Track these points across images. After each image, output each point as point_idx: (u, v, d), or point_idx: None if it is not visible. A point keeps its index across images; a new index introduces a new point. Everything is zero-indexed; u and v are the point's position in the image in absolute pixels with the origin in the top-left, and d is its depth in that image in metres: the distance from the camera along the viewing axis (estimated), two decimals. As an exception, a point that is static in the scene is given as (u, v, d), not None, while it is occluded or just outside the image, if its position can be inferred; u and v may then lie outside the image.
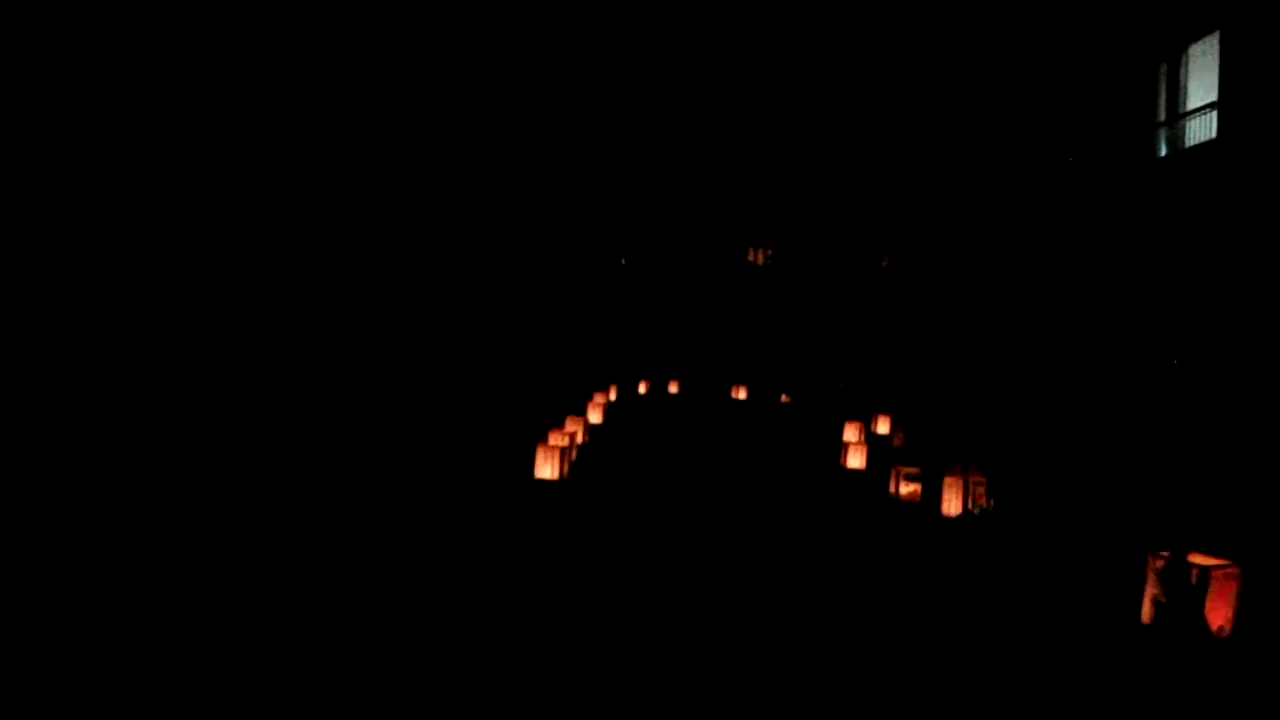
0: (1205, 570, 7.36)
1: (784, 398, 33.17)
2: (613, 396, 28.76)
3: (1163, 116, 19.09)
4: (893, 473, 14.40)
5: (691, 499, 13.96)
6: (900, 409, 25.74)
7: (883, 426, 23.73)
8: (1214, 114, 16.97)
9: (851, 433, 21.07)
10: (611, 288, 39.14)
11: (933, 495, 13.51)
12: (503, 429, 17.98)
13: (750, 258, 45.38)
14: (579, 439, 17.91)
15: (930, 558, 10.83)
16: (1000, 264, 25.83)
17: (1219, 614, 7.23)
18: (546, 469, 13.81)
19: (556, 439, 15.61)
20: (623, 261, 41.33)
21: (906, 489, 14.14)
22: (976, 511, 11.56)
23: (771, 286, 43.88)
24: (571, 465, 15.36)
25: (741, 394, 34.10)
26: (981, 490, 11.66)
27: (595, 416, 22.06)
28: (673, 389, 34.79)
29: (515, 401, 21.47)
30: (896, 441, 21.48)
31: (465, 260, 25.79)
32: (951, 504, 11.65)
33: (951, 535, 11.50)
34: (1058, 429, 19.79)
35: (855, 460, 17.48)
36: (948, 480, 11.71)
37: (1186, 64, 18.47)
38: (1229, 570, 7.34)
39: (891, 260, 40.91)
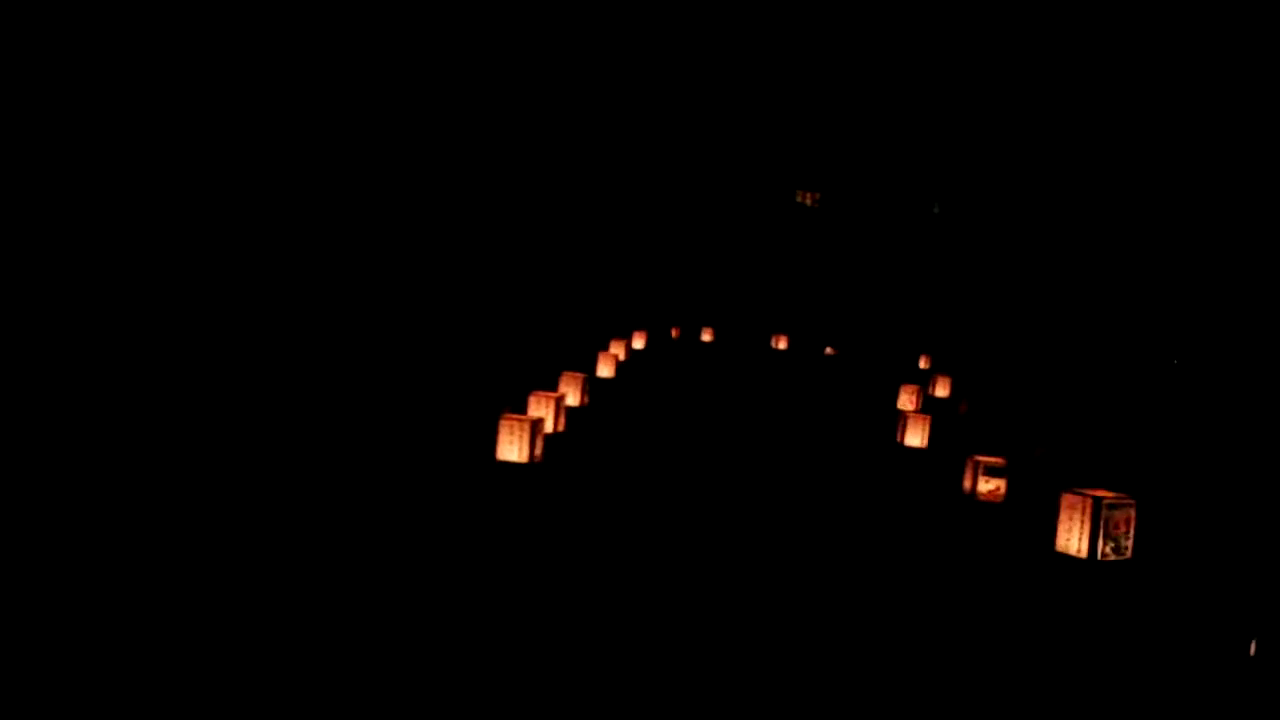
0: None
1: (829, 349, 29.32)
2: (638, 345, 24.98)
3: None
4: (969, 464, 10.62)
5: (702, 490, 10.26)
6: (960, 369, 21.90)
7: (942, 389, 19.86)
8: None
9: (908, 398, 17.24)
10: (640, 224, 35.21)
11: (1020, 498, 9.81)
12: (488, 394, 14.27)
13: (798, 199, 41.63)
14: (573, 401, 14.20)
15: (1045, 618, 7.08)
16: (1085, 211, 21.86)
17: None
18: (512, 448, 10.12)
19: (537, 405, 11.92)
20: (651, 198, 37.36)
21: (987, 485, 10.37)
22: (1113, 554, 7.65)
23: (819, 230, 40.07)
24: (556, 438, 11.71)
25: (782, 344, 30.24)
26: (1124, 521, 7.68)
27: (605, 370, 18.31)
28: (706, 337, 30.90)
29: (505, 359, 17.70)
30: (960, 409, 17.65)
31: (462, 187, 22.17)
32: (1073, 537, 7.72)
33: (1076, 583, 7.72)
34: (1189, 415, 15.91)
35: (915, 436, 13.70)
36: (1068, 502, 7.77)
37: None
38: None
39: (944, 207, 37.33)
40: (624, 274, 32.58)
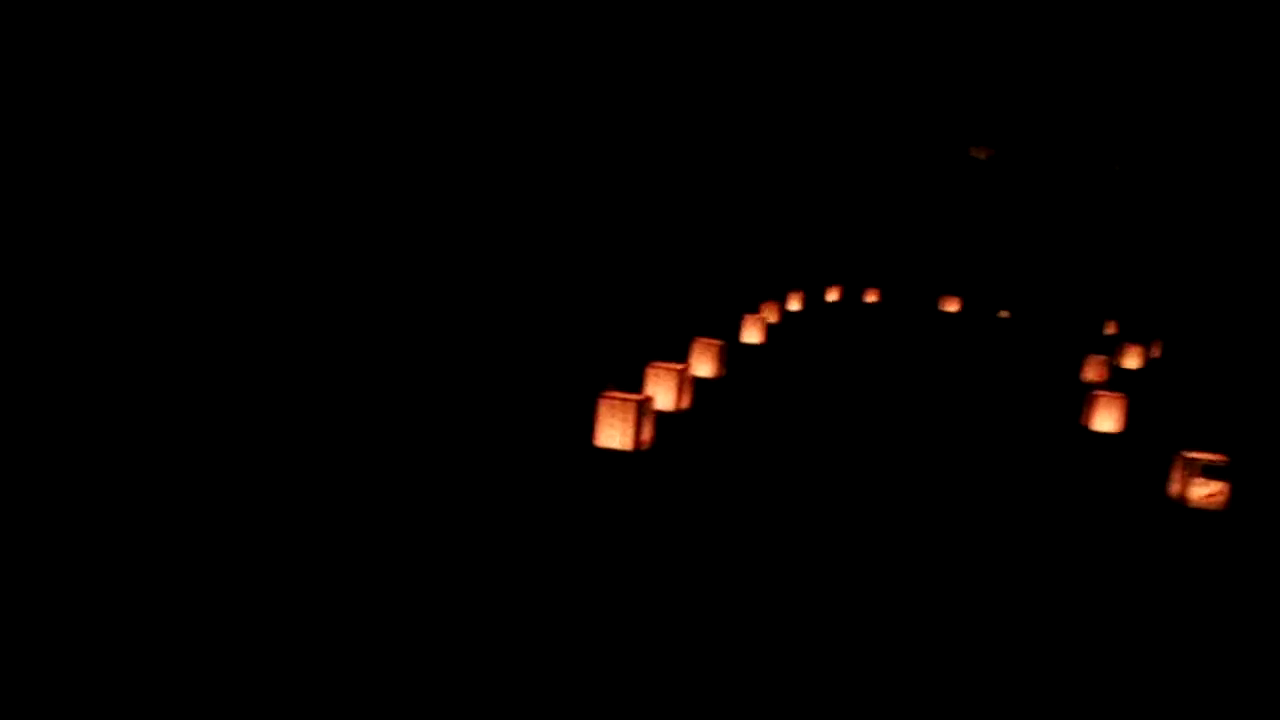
0: None
1: (1003, 313, 26.80)
2: (794, 306, 22.90)
3: None
4: (1179, 462, 8.41)
5: (850, 483, 8.27)
6: (1152, 336, 19.31)
7: (1133, 359, 17.36)
8: None
9: (1094, 370, 14.85)
10: (800, 177, 32.93)
11: (1247, 506, 7.63)
12: (600, 367, 12.50)
13: (972, 154, 38.84)
14: (706, 372, 12.32)
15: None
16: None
17: None
18: (614, 433, 8.31)
19: (655, 379, 10.08)
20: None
21: (1204, 490, 8.17)
22: None
23: (992, 187, 37.29)
24: (678, 418, 9.89)
25: (952, 306, 27.78)
26: None
27: (753, 335, 16.34)
28: (871, 298, 28.59)
29: (623, 327, 15.89)
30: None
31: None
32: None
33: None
34: None
35: (1106, 419, 11.43)
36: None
37: None
38: None
39: (1124, 167, 34.30)
40: (778, 230, 30.44)
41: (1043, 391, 14.47)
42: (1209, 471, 8.19)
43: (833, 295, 27.27)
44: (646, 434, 8.48)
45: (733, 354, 14.53)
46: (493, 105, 18.02)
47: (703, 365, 12.42)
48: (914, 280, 32.00)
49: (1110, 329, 22.61)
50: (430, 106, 16.54)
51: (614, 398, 8.33)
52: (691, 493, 7.61)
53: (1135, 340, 18.57)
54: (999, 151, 38.16)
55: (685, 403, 10.37)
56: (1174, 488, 8.46)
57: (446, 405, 9.50)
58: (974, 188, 37.02)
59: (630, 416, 8.28)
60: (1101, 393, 11.78)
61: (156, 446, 7.88)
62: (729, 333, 16.51)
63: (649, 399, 8.49)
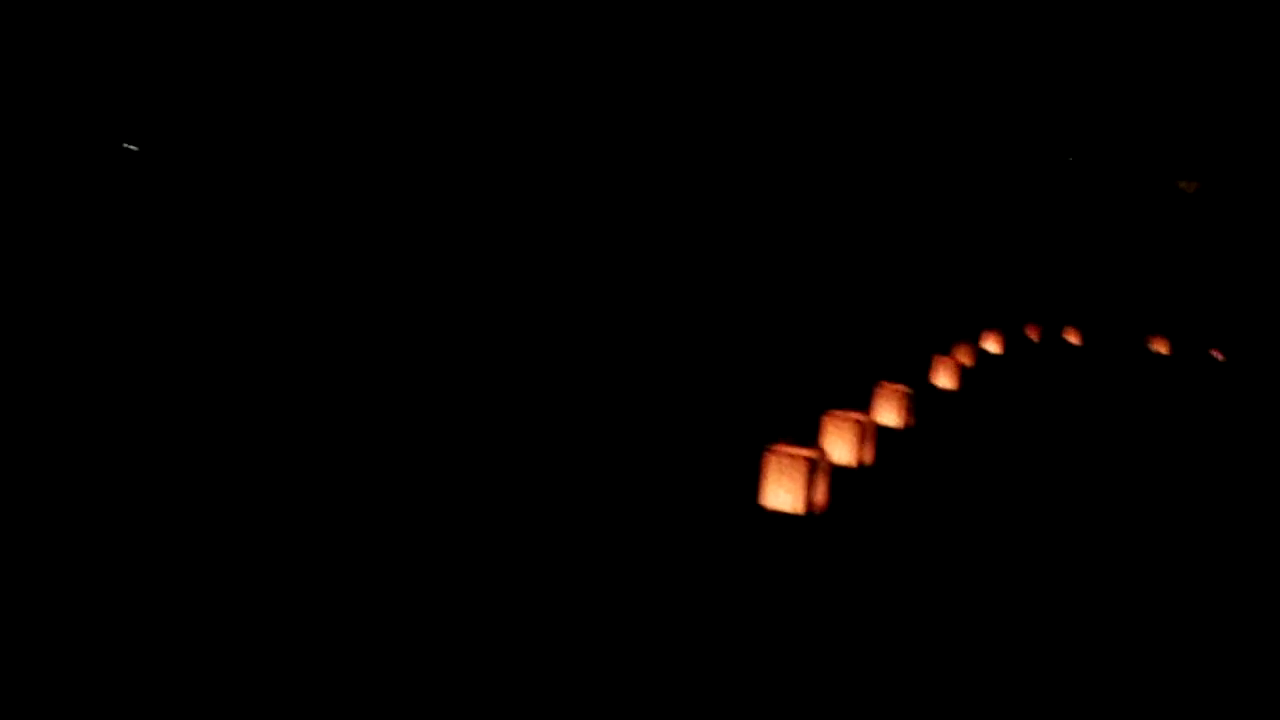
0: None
1: (1216, 354, 24.73)
2: (991, 347, 21.43)
3: None
4: None
5: (1053, 556, 7.08)
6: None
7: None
8: None
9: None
10: (996, 209, 31.28)
11: None
12: (767, 415, 11.50)
13: (1181, 186, 36.50)
14: (892, 421, 11.20)
15: None
16: None
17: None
18: (782, 492, 7.31)
19: (835, 431, 9.04)
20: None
21: None
22: None
23: (1200, 220, 34.91)
24: (859, 475, 8.84)
25: (1161, 347, 25.78)
26: None
27: (946, 380, 15.08)
28: (1072, 338, 26.75)
29: (794, 370, 14.80)
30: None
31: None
32: None
33: None
34: None
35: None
36: None
37: None
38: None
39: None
40: (970, 261, 28.90)
41: (1272, 443, 12.85)
42: None
43: (1032, 335, 25.61)
44: (820, 494, 7.45)
45: (922, 401, 13.30)
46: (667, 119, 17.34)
47: (888, 414, 11.28)
48: (1117, 319, 30.01)
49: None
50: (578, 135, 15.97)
51: (784, 452, 7.32)
52: (870, 564, 6.54)
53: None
54: (1206, 184, 35.83)
55: (867, 457, 9.27)
56: None
57: (589, 451, 8.63)
58: (1181, 222, 34.78)
59: (802, 474, 7.26)
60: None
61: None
62: (917, 377, 15.28)
63: (823, 454, 7.45)
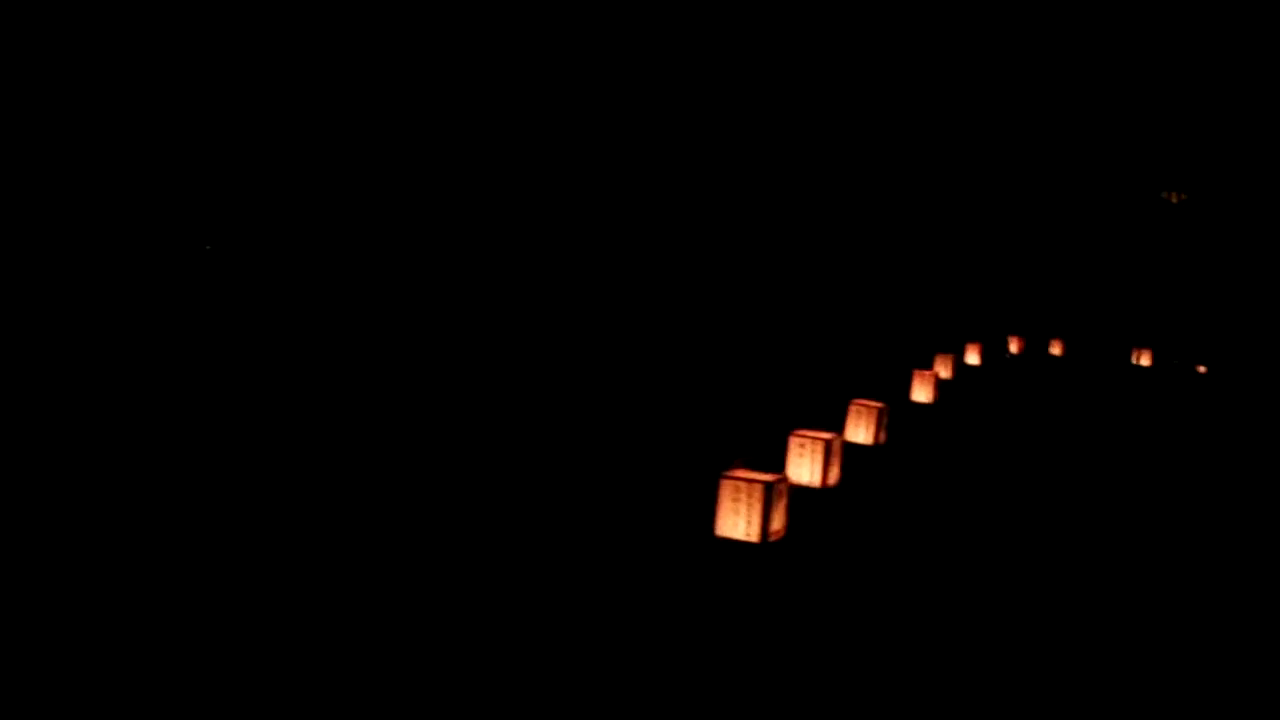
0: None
1: (1200, 367, 24.35)
2: (972, 359, 21.01)
3: None
4: None
5: (1035, 586, 6.64)
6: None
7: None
8: None
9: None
10: (974, 219, 30.93)
11: None
12: (726, 437, 11.07)
13: (1164, 196, 36.17)
14: (863, 438, 10.77)
15: None
16: None
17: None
18: (736, 520, 6.87)
19: (799, 451, 8.61)
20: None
21: None
22: None
23: (1186, 231, 34.63)
24: (824, 496, 8.40)
25: (1145, 359, 25.39)
26: None
27: (922, 393, 14.65)
28: (1055, 350, 26.33)
29: (758, 387, 14.37)
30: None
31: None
32: None
33: None
34: None
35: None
36: None
37: None
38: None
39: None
40: (950, 272, 28.51)
41: (1261, 460, 12.44)
42: None
43: (1014, 347, 25.20)
44: (778, 521, 7.00)
45: (896, 416, 12.84)
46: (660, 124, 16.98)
47: (858, 430, 10.85)
48: (1101, 330, 29.64)
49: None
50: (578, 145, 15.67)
51: (738, 477, 6.87)
52: (830, 596, 6.09)
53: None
54: (1193, 195, 35.57)
55: (833, 478, 8.83)
56: None
57: (542, 464, 8.18)
58: (1166, 233, 34.48)
59: (757, 500, 6.81)
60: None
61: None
62: (893, 391, 14.84)
63: (779, 481, 7.01)
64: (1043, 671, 5.24)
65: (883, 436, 11.04)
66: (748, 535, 6.86)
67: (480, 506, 7.28)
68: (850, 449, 10.48)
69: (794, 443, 8.70)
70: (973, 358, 21.12)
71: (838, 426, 10.97)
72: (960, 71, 28.45)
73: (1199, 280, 32.76)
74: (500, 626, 5.24)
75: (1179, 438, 13.76)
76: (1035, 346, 26.57)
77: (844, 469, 9.48)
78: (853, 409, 10.96)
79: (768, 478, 6.95)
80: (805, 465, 8.63)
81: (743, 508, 6.86)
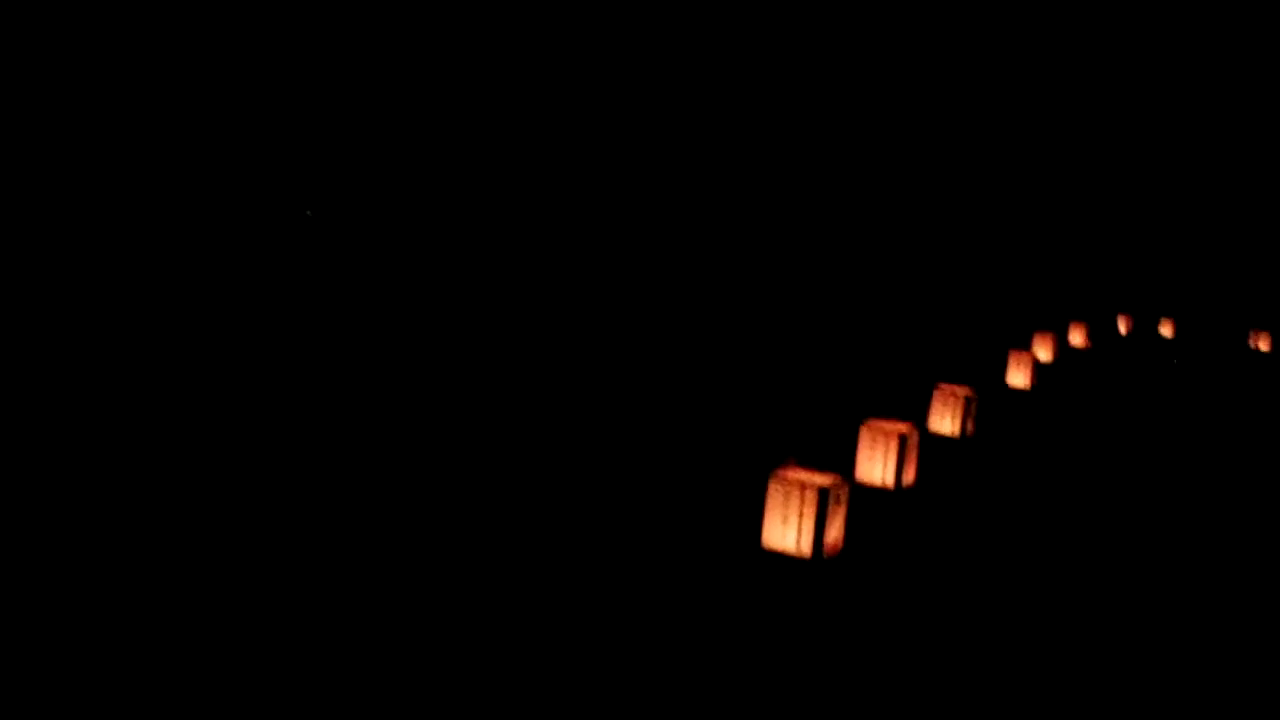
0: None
1: (1328, 352, 22.63)
2: (1076, 340, 19.62)
3: None
4: None
5: (1131, 599, 5.54)
6: None
7: None
8: None
9: None
10: (1083, 191, 29.24)
11: None
12: (780, 431, 10.00)
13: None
14: (948, 428, 9.65)
15: None
16: None
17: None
18: (785, 529, 5.86)
19: (871, 447, 7.57)
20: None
21: None
22: None
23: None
24: (898, 499, 7.36)
25: (1263, 344, 23.70)
26: None
27: (1018, 377, 13.43)
28: (1165, 331, 24.72)
29: (827, 367, 13.23)
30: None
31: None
32: None
33: None
34: None
35: None
36: None
37: None
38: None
39: None
40: (1055, 245, 26.94)
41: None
42: None
43: (1122, 327, 23.67)
44: (835, 532, 5.96)
45: (987, 405, 11.65)
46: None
47: (943, 420, 9.73)
48: (1216, 311, 27.89)
49: None
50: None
51: (790, 477, 5.85)
52: (892, 628, 5.05)
53: None
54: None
55: (909, 477, 7.75)
56: None
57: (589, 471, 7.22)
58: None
59: (810, 506, 5.79)
60: None
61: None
62: (988, 375, 13.64)
63: (839, 482, 5.96)
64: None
65: (971, 427, 9.90)
66: (799, 549, 5.84)
67: (499, 508, 6.37)
68: (933, 442, 9.38)
69: (865, 435, 7.64)
70: (1077, 338, 19.73)
71: (921, 416, 9.88)
72: (1078, 42, 26.89)
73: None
74: (488, 660, 4.32)
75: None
76: (1144, 327, 24.99)
77: (925, 466, 8.40)
78: (937, 395, 9.84)
79: (824, 480, 5.91)
80: (878, 462, 7.56)
81: (794, 515, 5.84)
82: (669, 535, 6.14)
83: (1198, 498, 8.40)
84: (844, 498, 6.00)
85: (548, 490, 6.75)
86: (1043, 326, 17.06)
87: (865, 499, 7.26)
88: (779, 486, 5.86)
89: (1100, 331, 21.98)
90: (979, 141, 23.52)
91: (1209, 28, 29.37)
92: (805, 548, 5.80)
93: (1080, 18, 27.09)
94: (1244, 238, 31.53)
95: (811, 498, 5.79)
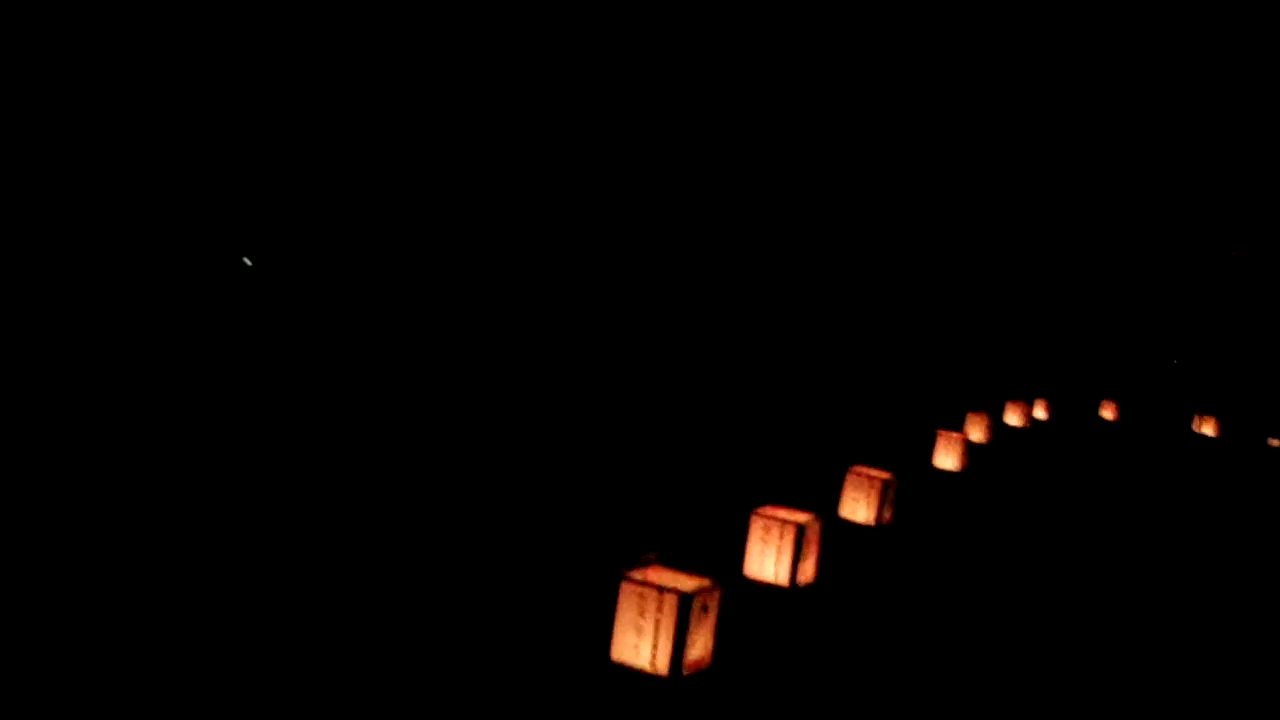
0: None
1: (1273, 440, 22.06)
2: (1013, 420, 18.85)
3: None
4: None
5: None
6: None
7: None
8: None
9: None
10: (1014, 266, 28.81)
11: None
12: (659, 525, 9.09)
13: (1230, 253, 33.96)
14: (863, 516, 8.74)
15: None
16: None
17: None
18: (637, 644, 4.87)
19: (764, 537, 6.63)
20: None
21: None
22: None
23: (1253, 288, 32.43)
24: (795, 597, 6.43)
25: (1208, 428, 23.08)
26: None
27: (948, 459, 12.57)
28: (1107, 413, 23.99)
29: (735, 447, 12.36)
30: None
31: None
32: None
33: None
34: None
35: None
36: None
37: None
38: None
39: None
40: (990, 323, 26.36)
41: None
42: None
43: (1040, 413, 22.87)
44: (700, 646, 4.97)
45: (908, 489, 10.71)
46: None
47: (856, 507, 8.80)
48: (1159, 393, 27.38)
49: None
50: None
51: (640, 580, 4.87)
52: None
53: None
54: (1259, 250, 33.37)
55: (807, 575, 6.79)
56: None
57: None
58: (1231, 290, 32.23)
59: (668, 615, 4.81)
60: None
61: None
62: (911, 457, 12.76)
63: (706, 589, 4.99)
64: None
65: (888, 515, 8.96)
66: (653, 665, 4.84)
67: (476, 528, 5.40)
68: (841, 532, 8.44)
69: (756, 524, 6.68)
70: (1013, 417, 18.98)
71: (829, 503, 8.96)
72: (1029, 111, 26.56)
73: (1270, 342, 30.46)
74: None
75: (1249, 525, 11.58)
76: (1084, 408, 24.31)
77: (833, 559, 7.45)
78: (850, 478, 8.91)
79: (690, 583, 4.94)
80: (769, 556, 6.60)
81: (649, 625, 4.86)
82: (522, 650, 5.13)
83: (1140, 595, 7.50)
84: (713, 606, 5.02)
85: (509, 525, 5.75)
86: (976, 408, 16.26)
87: (752, 600, 6.30)
88: (632, 590, 4.88)
89: (1037, 412, 21.23)
90: (911, 208, 23.01)
91: (1128, 124, 29.30)
92: (661, 665, 4.81)
93: (1004, 105, 26.88)
94: (1190, 322, 31.23)
95: (671, 605, 4.81)
